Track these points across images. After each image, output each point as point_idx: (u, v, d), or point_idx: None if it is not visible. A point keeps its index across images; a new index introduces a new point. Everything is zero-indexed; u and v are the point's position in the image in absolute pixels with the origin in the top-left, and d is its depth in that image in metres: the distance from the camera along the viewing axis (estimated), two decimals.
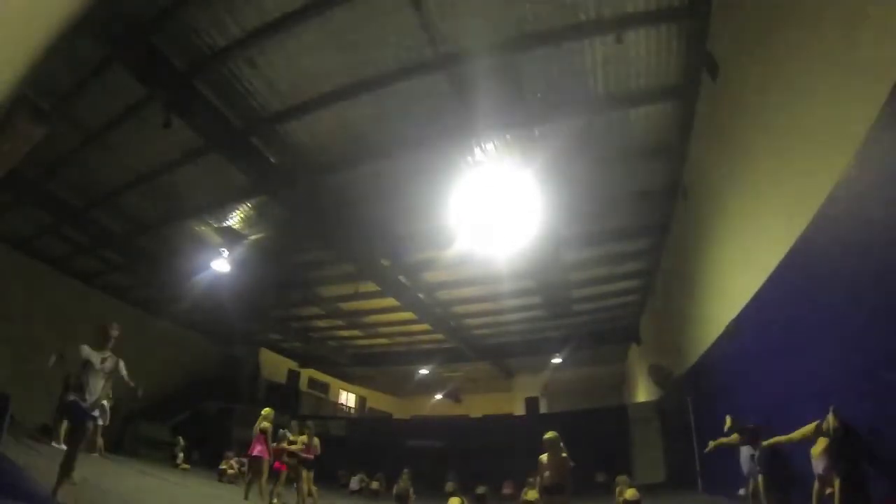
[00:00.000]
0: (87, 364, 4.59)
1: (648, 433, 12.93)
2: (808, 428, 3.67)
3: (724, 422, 5.73)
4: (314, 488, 8.35)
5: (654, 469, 12.14)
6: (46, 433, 9.82)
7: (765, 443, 4.40)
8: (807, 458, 3.64)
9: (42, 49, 3.87)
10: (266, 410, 8.04)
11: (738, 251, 5.91)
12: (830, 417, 3.44)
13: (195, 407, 15.36)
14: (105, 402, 10.35)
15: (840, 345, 3.66)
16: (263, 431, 7.76)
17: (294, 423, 8.61)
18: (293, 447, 8.22)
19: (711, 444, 5.96)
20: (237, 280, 11.29)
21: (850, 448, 3.28)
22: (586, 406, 16.61)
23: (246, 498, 7.64)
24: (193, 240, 10.48)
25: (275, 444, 7.96)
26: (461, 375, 21.38)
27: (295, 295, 13.36)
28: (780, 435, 4.11)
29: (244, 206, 9.23)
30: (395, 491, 12.00)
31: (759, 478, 4.63)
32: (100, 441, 9.96)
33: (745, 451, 5.14)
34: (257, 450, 7.66)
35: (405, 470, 12.12)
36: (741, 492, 5.33)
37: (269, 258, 11.03)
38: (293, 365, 19.76)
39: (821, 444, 3.50)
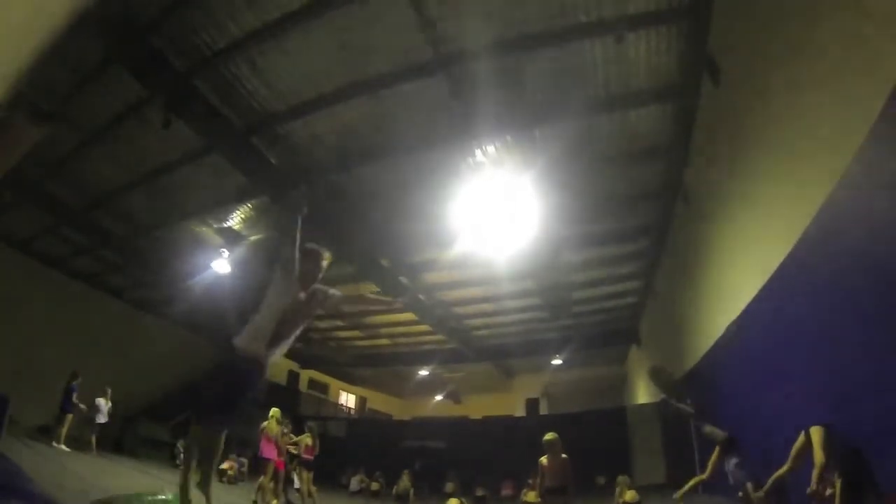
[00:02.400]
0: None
1: (648, 435, 12.92)
2: (799, 442, 3.66)
3: (723, 422, 5.73)
4: (313, 489, 8.35)
5: (655, 470, 12.12)
6: (46, 433, 9.83)
7: (767, 485, 4.34)
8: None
9: (42, 49, 3.86)
10: (274, 411, 8.07)
11: (739, 253, 5.90)
12: (816, 438, 3.43)
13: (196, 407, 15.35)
14: (103, 401, 10.39)
15: (840, 346, 3.65)
16: (274, 434, 7.80)
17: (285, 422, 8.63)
18: (292, 447, 8.26)
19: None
20: (237, 280, 11.27)
21: (847, 454, 3.27)
22: (586, 407, 16.61)
23: (255, 500, 7.62)
24: (193, 240, 10.48)
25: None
26: (461, 376, 21.35)
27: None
28: (767, 442, 4.09)
29: (244, 206, 9.23)
30: (395, 491, 12.02)
31: (749, 485, 4.64)
32: (92, 439, 9.97)
33: (731, 460, 5.16)
34: (266, 451, 7.68)
35: (405, 470, 12.12)
36: (742, 494, 5.32)
37: (270, 258, 11.02)
38: (293, 366, 19.74)
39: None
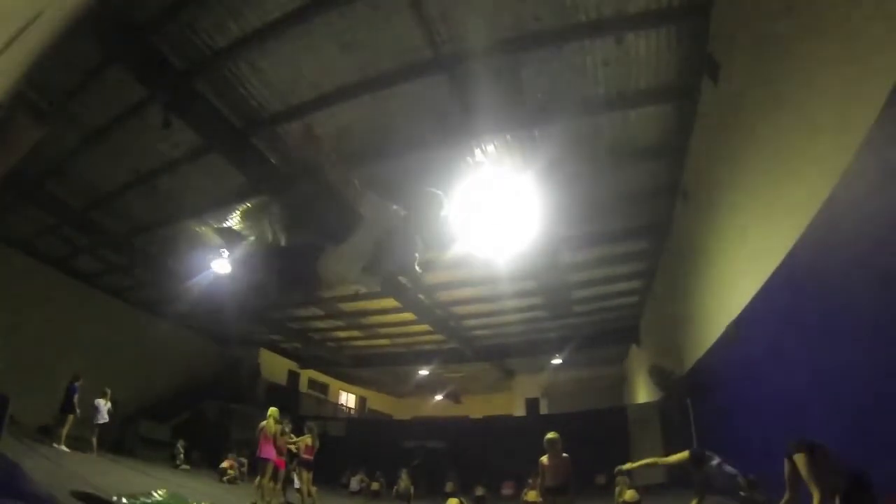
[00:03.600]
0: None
1: (648, 434, 12.91)
2: (787, 470, 3.63)
3: (722, 422, 5.75)
4: (313, 489, 8.36)
5: (654, 470, 12.09)
6: (46, 433, 9.83)
7: None
8: None
9: (42, 49, 3.86)
10: (272, 410, 8.09)
11: (739, 252, 5.90)
12: (802, 466, 3.40)
13: (195, 407, 15.36)
14: (103, 401, 10.39)
15: (840, 344, 3.65)
16: (272, 433, 7.81)
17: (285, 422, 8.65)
18: (291, 445, 8.27)
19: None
20: (237, 280, 11.27)
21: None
22: (586, 407, 16.59)
23: (255, 501, 7.63)
24: (193, 240, 10.48)
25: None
26: (461, 376, 21.35)
27: (294, 295, 13.34)
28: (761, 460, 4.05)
29: (244, 206, 9.22)
30: (395, 491, 12.03)
31: (741, 481, 4.66)
32: (93, 439, 9.96)
33: (710, 465, 5.19)
34: (265, 451, 7.69)
35: (405, 470, 12.13)
36: (742, 493, 5.33)
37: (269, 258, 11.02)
38: (293, 365, 19.75)
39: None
